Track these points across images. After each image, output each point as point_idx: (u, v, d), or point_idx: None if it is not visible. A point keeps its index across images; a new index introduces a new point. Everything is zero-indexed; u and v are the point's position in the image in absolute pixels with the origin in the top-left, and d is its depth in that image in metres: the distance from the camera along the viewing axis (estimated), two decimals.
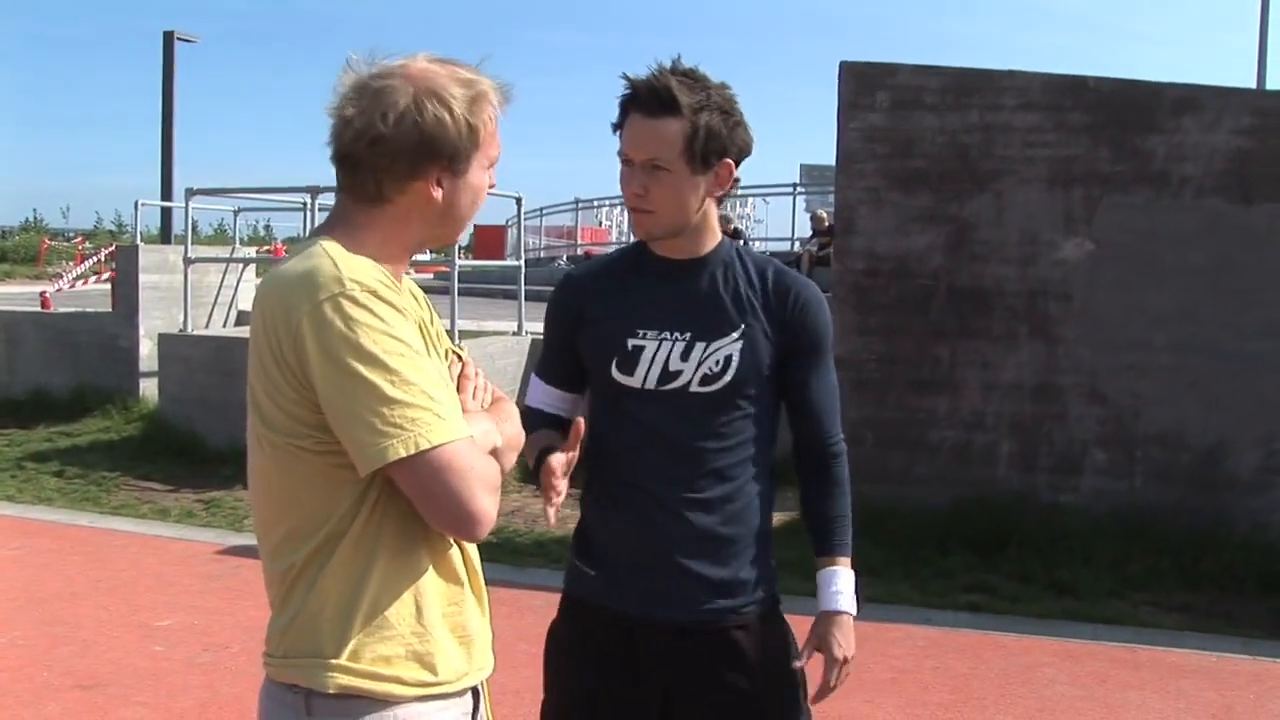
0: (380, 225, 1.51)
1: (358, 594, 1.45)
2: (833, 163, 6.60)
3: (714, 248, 1.98)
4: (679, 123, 1.84)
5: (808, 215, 17.17)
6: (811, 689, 2.00)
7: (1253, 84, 16.42)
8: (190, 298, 9.26)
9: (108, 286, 14.60)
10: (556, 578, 5.13)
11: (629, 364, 1.94)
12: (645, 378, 1.93)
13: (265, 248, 26.66)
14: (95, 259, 26.33)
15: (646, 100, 1.85)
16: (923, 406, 6.22)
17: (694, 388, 1.92)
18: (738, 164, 1.93)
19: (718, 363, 1.92)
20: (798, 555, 2.52)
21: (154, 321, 9.99)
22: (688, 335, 1.92)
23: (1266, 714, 4.15)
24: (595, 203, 25.80)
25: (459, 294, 8.53)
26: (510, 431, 1.61)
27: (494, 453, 1.52)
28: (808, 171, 22.71)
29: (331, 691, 1.44)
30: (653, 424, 1.93)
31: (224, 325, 10.82)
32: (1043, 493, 6.05)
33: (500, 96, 1.54)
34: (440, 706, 1.51)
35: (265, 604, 1.54)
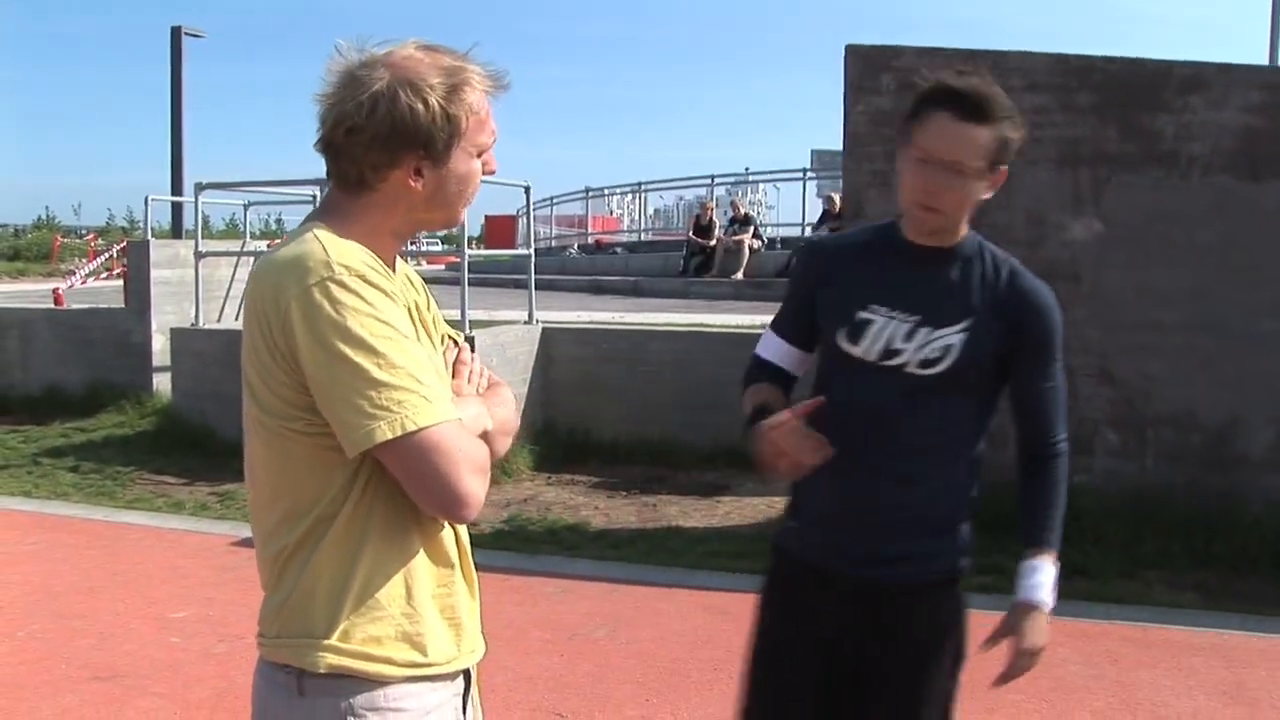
0: (367, 211, 1.52)
1: (349, 575, 1.47)
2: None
3: (961, 240, 2.04)
4: (989, 131, 1.91)
5: (819, 200, 17.14)
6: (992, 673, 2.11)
7: (1265, 61, 16.24)
8: (202, 292, 9.26)
9: (120, 283, 14.68)
10: (569, 565, 5.16)
11: (856, 334, 2.02)
12: (868, 350, 2.01)
13: (276, 241, 26.70)
14: (107, 255, 26.46)
15: (968, 105, 1.91)
16: None
17: (910, 368, 2.00)
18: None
19: (937, 350, 1.99)
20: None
21: (166, 316, 10.05)
22: (916, 319, 2.00)
23: (1278, 690, 4.15)
24: (605, 191, 25.82)
25: (470, 284, 8.55)
26: (502, 415, 1.61)
27: (485, 436, 1.53)
28: (818, 156, 22.71)
29: (322, 671, 1.46)
30: (867, 395, 2.02)
31: (236, 319, 10.83)
32: None
33: (490, 83, 1.53)
34: (430, 687, 1.52)
35: None
